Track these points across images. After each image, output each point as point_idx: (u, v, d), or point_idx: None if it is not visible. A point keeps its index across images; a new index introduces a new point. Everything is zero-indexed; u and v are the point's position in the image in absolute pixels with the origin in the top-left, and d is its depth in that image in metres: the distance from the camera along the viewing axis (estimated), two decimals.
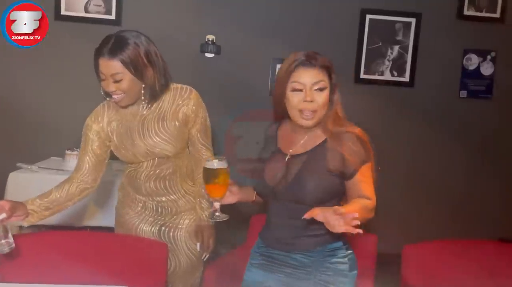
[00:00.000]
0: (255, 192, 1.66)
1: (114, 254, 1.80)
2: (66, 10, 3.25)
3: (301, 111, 1.48)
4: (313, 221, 1.32)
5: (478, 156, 3.63)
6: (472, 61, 3.57)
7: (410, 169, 3.61)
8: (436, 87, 3.57)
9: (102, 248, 1.81)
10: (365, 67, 3.50)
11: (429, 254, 1.94)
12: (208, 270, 1.95)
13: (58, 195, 1.72)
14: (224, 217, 1.53)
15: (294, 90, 1.48)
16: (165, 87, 1.77)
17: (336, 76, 1.53)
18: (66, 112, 3.26)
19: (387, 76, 3.52)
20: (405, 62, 3.51)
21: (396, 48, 3.50)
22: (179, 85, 1.82)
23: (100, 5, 3.28)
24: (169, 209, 1.87)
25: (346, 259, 1.54)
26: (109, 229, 2.61)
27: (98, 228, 2.67)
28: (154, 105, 1.79)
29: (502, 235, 3.44)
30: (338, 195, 1.52)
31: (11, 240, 1.48)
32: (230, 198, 1.55)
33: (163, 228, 1.88)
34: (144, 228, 1.88)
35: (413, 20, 3.47)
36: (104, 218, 2.69)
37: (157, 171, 1.82)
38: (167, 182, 1.83)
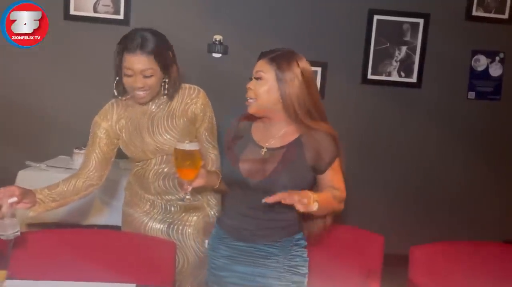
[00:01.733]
0: (219, 179, 1.71)
1: (122, 252, 1.81)
2: (75, 10, 3.28)
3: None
4: (272, 207, 1.47)
5: (486, 157, 3.61)
6: (481, 62, 3.56)
7: (416, 170, 3.60)
8: (444, 88, 3.56)
9: (110, 246, 1.82)
10: (372, 68, 3.49)
11: (436, 255, 1.93)
12: None
13: (65, 188, 1.74)
14: (194, 200, 1.52)
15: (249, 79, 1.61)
16: (180, 84, 1.82)
17: (283, 73, 1.56)
18: (74, 111, 3.28)
19: (394, 77, 3.51)
20: (413, 63, 3.50)
21: (404, 49, 3.49)
22: (187, 85, 1.85)
23: (108, 5, 3.30)
24: (178, 207, 1.88)
25: (305, 248, 1.64)
26: (116, 228, 2.62)
27: (104, 226, 2.69)
28: (163, 104, 1.82)
29: (508, 237, 3.43)
30: (309, 188, 1.57)
31: (17, 227, 1.47)
32: (198, 180, 1.57)
33: (171, 225, 1.89)
34: (152, 226, 1.89)
35: (421, 21, 3.46)
36: (111, 217, 2.71)
37: (166, 169, 1.83)
38: (176, 180, 1.83)
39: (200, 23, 3.37)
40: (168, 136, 1.79)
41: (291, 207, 1.44)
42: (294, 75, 1.55)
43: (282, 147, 1.59)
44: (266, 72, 1.57)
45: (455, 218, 3.61)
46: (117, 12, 3.30)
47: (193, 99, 1.82)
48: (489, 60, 3.56)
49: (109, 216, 2.72)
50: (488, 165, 3.62)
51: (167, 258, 1.78)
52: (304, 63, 1.58)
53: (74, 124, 3.26)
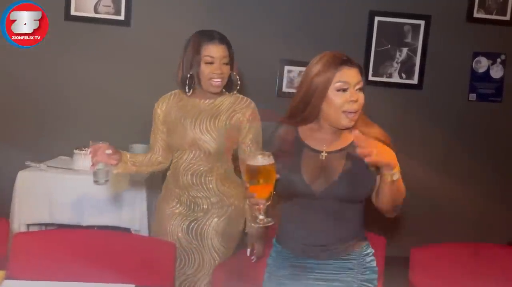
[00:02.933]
0: None
1: (121, 253, 1.80)
2: (76, 10, 3.28)
3: (344, 112, 1.43)
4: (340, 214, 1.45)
5: (487, 159, 3.61)
6: (482, 64, 3.55)
7: (417, 172, 3.59)
8: (445, 90, 3.55)
9: (109, 247, 1.82)
10: (373, 69, 3.49)
11: (437, 257, 1.94)
12: (216, 270, 1.95)
13: (143, 158, 1.97)
14: (269, 221, 1.35)
15: (339, 90, 1.42)
16: (239, 83, 1.97)
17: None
18: (75, 111, 3.28)
19: (395, 79, 3.51)
20: (414, 65, 3.50)
21: (405, 50, 3.49)
22: (240, 95, 1.98)
23: (109, 6, 3.30)
24: (202, 205, 1.95)
25: (373, 256, 1.55)
26: (116, 229, 2.62)
27: (104, 227, 2.68)
28: (213, 103, 1.93)
29: (510, 239, 3.42)
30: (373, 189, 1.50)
31: (108, 176, 1.78)
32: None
33: (192, 224, 1.96)
34: (174, 223, 1.98)
35: (422, 23, 3.46)
36: (111, 217, 2.70)
37: (195, 166, 1.93)
38: (202, 178, 1.93)
39: (201, 24, 3.33)
40: (207, 135, 1.90)
41: (360, 211, 1.47)
42: None
43: (342, 149, 1.49)
44: (362, 81, 1.47)
45: (457, 220, 3.60)
46: (118, 12, 3.30)
47: (242, 109, 1.93)
48: (490, 61, 3.55)
49: (109, 217, 2.72)
50: (489, 166, 3.61)
51: (166, 259, 1.78)
52: None
53: (75, 125, 3.26)
